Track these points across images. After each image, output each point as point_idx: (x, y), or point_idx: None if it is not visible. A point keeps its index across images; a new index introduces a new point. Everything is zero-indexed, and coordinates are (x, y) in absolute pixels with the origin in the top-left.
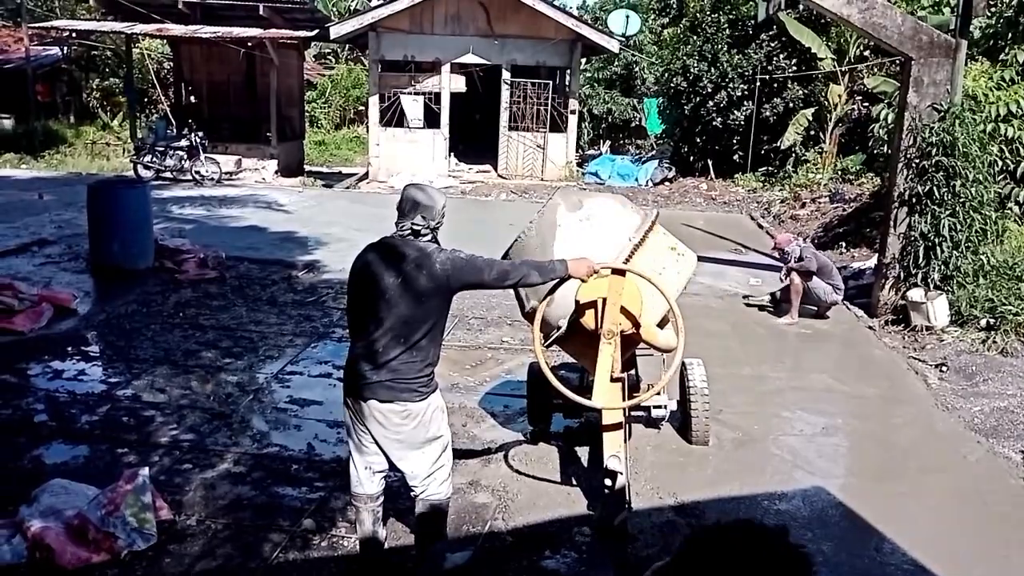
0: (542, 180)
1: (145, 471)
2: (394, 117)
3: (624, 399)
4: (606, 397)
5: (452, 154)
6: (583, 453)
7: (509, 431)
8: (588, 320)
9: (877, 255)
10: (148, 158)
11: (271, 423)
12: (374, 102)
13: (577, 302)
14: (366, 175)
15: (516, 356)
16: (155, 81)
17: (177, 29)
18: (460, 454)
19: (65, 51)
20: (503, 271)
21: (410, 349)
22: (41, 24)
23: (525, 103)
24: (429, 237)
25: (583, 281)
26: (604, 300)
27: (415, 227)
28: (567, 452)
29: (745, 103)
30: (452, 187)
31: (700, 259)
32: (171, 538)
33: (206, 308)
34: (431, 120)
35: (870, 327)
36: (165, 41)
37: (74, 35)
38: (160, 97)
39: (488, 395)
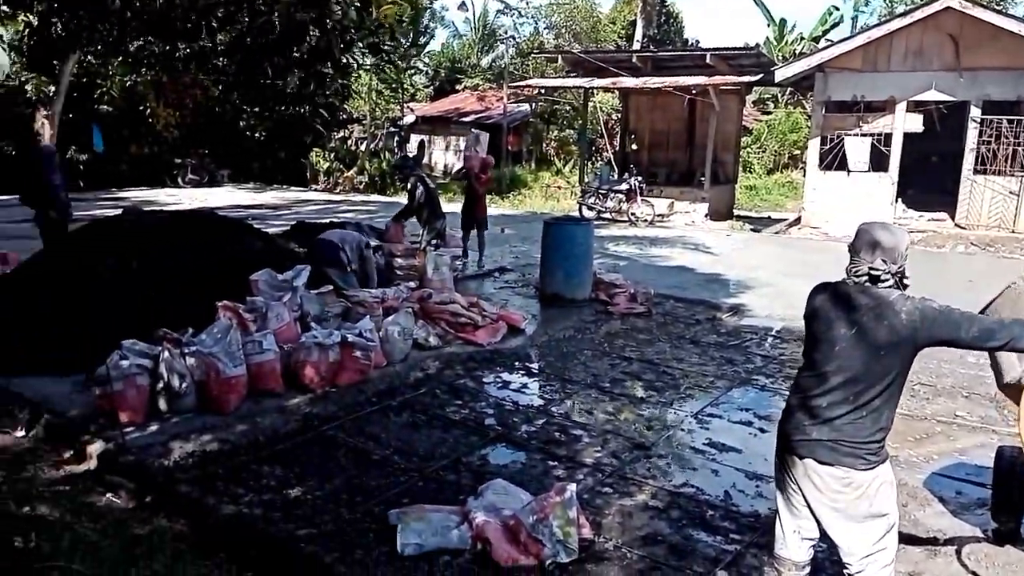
0: (1013, 232)
1: (573, 487)
2: (835, 161)
3: None
4: None
5: (899, 200)
6: None
7: (962, 522)
8: None
9: None
10: (591, 200)
11: (688, 463)
12: (814, 145)
13: None
14: (798, 220)
15: (972, 435)
16: (603, 131)
17: (629, 81)
18: (901, 539)
19: (532, 107)
20: (987, 329)
21: (859, 408)
22: (517, 84)
23: (997, 143)
24: (890, 283)
25: None
26: None
27: (874, 271)
28: None
29: None
30: None
31: None
32: (590, 557)
33: (632, 340)
34: (876, 163)
35: None
36: (616, 94)
37: (542, 92)
38: (606, 145)
39: (935, 475)
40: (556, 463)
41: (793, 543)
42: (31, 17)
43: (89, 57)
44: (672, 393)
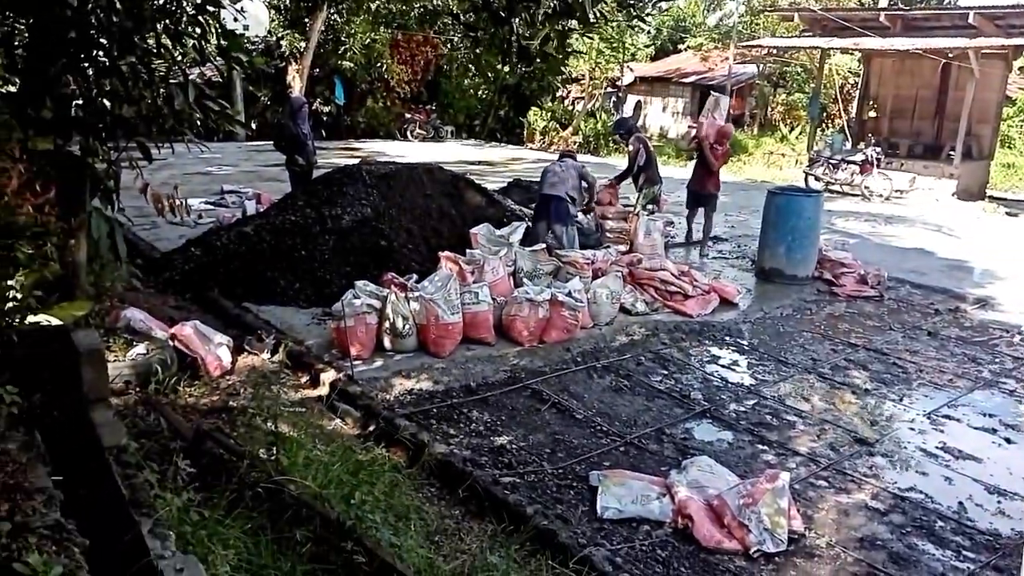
0: None
1: (786, 476)
2: None
3: None
4: None
5: None
6: None
7: None
8: None
9: None
10: (820, 170)
11: (917, 466)
12: None
13: None
14: None
15: None
16: (837, 96)
17: (871, 42)
18: None
19: (759, 68)
20: None
21: None
22: (747, 43)
23: None
24: None
25: None
26: None
27: None
28: None
29: None
30: None
31: None
32: (799, 551)
33: (859, 326)
34: None
35: None
36: (855, 56)
37: (773, 52)
38: (840, 111)
39: None
40: (766, 448)
41: None
42: None
43: (335, 15)
44: (902, 388)
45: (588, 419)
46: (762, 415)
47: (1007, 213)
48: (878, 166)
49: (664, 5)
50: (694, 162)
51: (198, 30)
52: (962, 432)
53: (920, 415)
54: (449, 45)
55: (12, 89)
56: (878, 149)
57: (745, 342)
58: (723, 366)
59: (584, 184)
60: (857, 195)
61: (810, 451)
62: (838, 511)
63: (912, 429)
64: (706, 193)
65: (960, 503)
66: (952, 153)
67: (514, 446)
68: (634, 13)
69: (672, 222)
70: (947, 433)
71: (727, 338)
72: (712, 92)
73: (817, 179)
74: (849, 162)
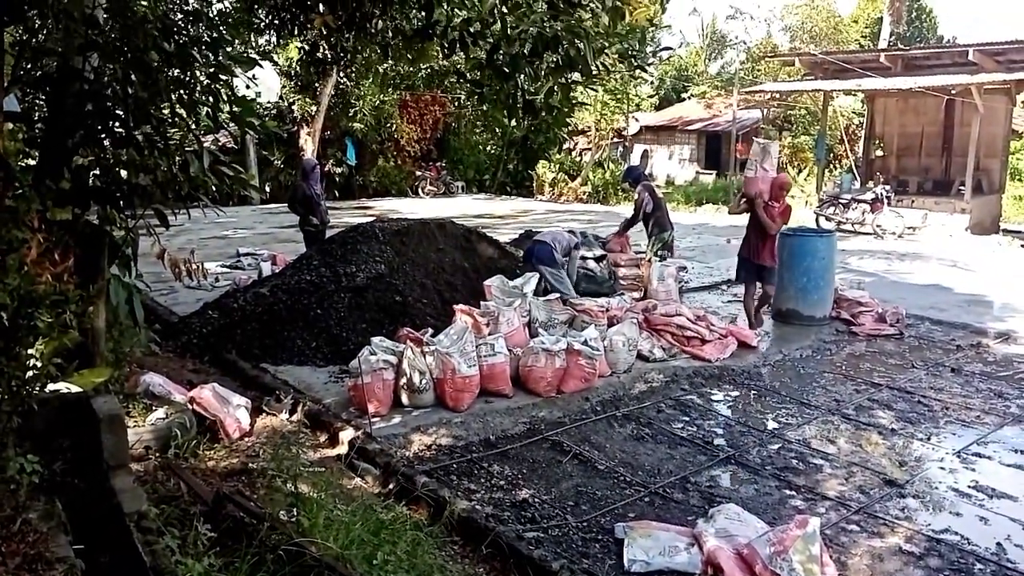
0: None
1: (816, 521)
2: None
3: None
4: None
5: None
6: None
7: None
8: None
9: None
10: (830, 210)
11: (950, 506)
12: None
13: None
14: None
15: None
16: (843, 136)
17: (874, 83)
18: None
19: (764, 112)
20: None
21: None
22: (750, 89)
23: None
24: None
25: None
26: None
27: None
28: None
29: None
30: None
31: None
32: None
33: (880, 365)
34: None
35: None
36: (859, 96)
37: (776, 96)
38: (846, 152)
39: None
40: (793, 493)
41: None
42: (304, 44)
43: (344, 79)
44: (929, 426)
45: (611, 469)
46: (788, 459)
47: (1023, 246)
48: (889, 204)
49: (664, 55)
50: (746, 226)
51: (211, 99)
52: (994, 470)
53: (949, 454)
54: (456, 103)
55: (31, 162)
56: (888, 187)
57: (765, 385)
58: (745, 410)
59: (569, 248)
60: (869, 234)
61: (839, 495)
62: (872, 556)
63: (942, 468)
64: (764, 265)
65: (998, 544)
66: (962, 188)
67: (537, 500)
68: (635, 64)
69: (685, 267)
70: (979, 471)
71: (747, 382)
72: (757, 140)
73: (828, 219)
74: (859, 201)
